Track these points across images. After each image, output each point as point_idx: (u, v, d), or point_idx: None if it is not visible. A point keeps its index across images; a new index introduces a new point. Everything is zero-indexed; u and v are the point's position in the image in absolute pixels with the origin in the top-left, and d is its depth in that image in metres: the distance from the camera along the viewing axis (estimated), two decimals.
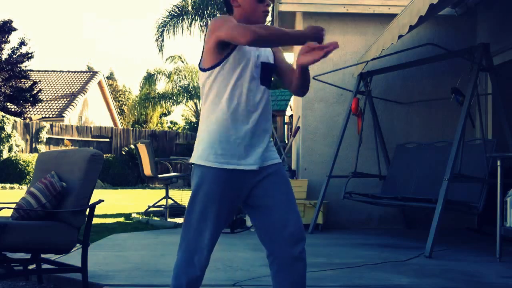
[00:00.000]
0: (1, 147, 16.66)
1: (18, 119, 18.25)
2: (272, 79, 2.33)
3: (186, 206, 2.22)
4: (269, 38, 1.99)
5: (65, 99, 24.19)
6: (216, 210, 2.14)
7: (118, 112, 31.03)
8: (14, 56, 20.71)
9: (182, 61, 28.48)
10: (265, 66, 2.22)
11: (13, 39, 29.26)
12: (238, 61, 2.14)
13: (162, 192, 8.68)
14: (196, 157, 2.17)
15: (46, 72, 27.16)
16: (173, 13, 22.30)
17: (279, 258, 2.23)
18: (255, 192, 2.20)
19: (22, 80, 20.68)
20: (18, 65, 20.47)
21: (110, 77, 39.51)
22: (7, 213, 3.36)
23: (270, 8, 2.27)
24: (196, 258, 2.18)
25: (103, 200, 3.43)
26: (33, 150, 18.09)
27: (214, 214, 2.15)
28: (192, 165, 2.22)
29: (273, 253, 2.25)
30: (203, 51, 2.19)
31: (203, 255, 2.19)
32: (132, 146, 18.68)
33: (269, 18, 24.61)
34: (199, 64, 2.23)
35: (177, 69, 28.19)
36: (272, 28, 2.01)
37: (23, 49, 21.09)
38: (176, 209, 7.88)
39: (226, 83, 2.14)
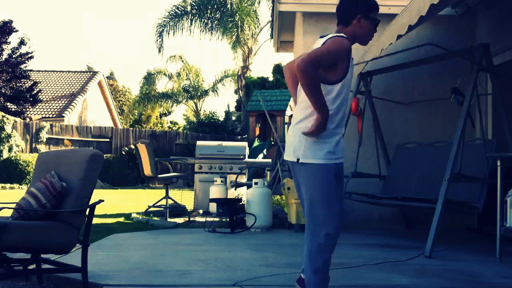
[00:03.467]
0: (1, 147, 16.65)
1: (18, 119, 18.25)
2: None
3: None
4: (304, 82, 2.48)
5: (65, 99, 24.19)
6: None
7: (118, 112, 31.02)
8: (14, 56, 20.71)
9: (183, 61, 28.48)
10: None
11: (13, 40, 29.27)
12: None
13: (162, 192, 8.68)
14: None
15: (46, 72, 27.15)
16: (172, 13, 22.30)
17: None
18: None
19: (22, 80, 20.68)
20: (19, 66, 20.47)
21: (110, 77, 39.50)
22: (7, 213, 3.36)
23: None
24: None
25: (103, 200, 3.43)
26: (33, 150, 18.09)
27: None
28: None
29: None
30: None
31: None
32: (132, 146, 18.67)
33: (268, 18, 24.36)
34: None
35: (180, 69, 28.20)
36: (316, 86, 2.50)
37: (23, 49, 21.11)
38: (176, 209, 7.88)
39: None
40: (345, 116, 2.70)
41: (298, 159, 2.66)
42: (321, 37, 2.75)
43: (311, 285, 2.64)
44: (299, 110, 2.71)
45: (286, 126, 14.83)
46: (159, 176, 7.69)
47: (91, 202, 3.37)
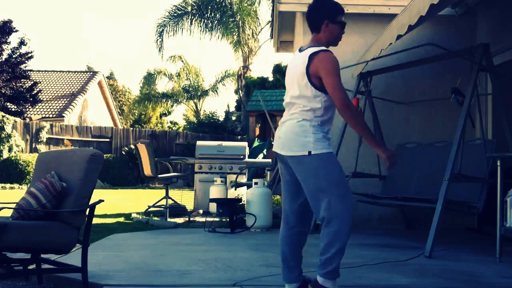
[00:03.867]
0: (1, 147, 16.65)
1: (18, 119, 18.25)
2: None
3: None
4: (350, 120, 2.85)
5: (65, 99, 24.18)
6: None
7: (118, 112, 31.02)
8: (14, 56, 20.71)
9: (182, 61, 28.47)
10: None
11: (13, 40, 29.26)
12: None
13: (162, 192, 8.69)
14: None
15: (46, 72, 27.14)
16: (173, 13, 22.30)
17: None
18: None
19: (22, 80, 20.67)
20: (19, 66, 20.47)
21: (110, 77, 39.48)
22: (7, 213, 3.36)
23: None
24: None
25: (103, 200, 3.43)
26: (33, 150, 18.09)
27: None
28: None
29: None
30: (312, 70, 2.85)
31: None
32: (132, 146, 18.67)
33: (268, 18, 24.37)
34: (309, 78, 2.86)
35: (180, 69, 28.18)
36: (360, 120, 2.87)
37: (23, 49, 21.10)
38: (176, 209, 7.88)
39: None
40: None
41: (309, 152, 2.85)
42: (300, 50, 3.02)
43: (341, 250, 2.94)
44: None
45: None
46: (159, 176, 7.69)
47: (91, 202, 3.37)
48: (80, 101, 24.59)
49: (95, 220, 5.58)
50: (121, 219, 7.40)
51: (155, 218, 7.33)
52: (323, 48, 2.91)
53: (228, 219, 6.41)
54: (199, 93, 28.45)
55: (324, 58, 2.84)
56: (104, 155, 4.65)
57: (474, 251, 4.94)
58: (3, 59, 20.40)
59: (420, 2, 4.50)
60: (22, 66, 20.78)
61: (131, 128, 21.69)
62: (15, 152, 17.06)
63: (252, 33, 22.47)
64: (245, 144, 9.15)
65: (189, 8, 22.22)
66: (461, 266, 4.18)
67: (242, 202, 6.87)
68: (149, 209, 7.92)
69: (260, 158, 13.73)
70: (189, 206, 8.48)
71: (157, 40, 22.57)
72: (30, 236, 3.13)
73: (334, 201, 2.82)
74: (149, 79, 27.88)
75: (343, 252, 2.93)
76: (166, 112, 33.58)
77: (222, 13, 21.91)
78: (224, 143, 8.88)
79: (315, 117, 2.89)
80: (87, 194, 3.35)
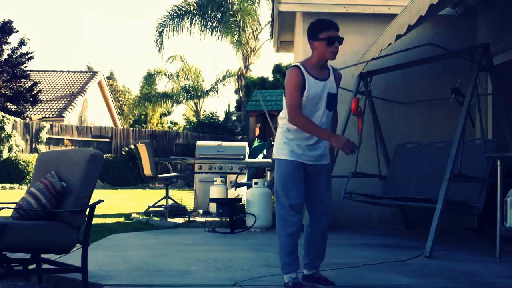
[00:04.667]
0: (1, 147, 16.65)
1: (18, 119, 18.25)
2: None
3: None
4: (300, 129, 3.23)
5: (65, 99, 24.18)
6: None
7: (118, 112, 31.02)
8: (14, 56, 20.71)
9: (183, 61, 28.46)
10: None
11: (13, 40, 29.27)
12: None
13: (162, 192, 8.68)
14: None
15: (46, 72, 27.14)
16: (173, 13, 22.30)
17: None
18: None
19: (22, 80, 20.67)
20: (19, 66, 20.47)
21: (110, 77, 39.51)
22: (7, 213, 3.36)
23: (337, 50, 3.27)
24: None
25: (103, 200, 3.43)
26: (33, 150, 18.08)
27: None
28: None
29: None
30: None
31: None
32: (132, 146, 18.68)
33: (269, 18, 24.38)
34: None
35: (180, 69, 28.17)
36: (309, 128, 3.21)
37: (23, 49, 21.10)
38: (176, 209, 7.88)
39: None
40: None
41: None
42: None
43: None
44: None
45: None
46: (159, 176, 7.69)
47: (91, 202, 3.37)
48: (80, 101, 24.59)
49: (95, 220, 5.58)
50: (121, 219, 7.40)
51: (155, 218, 7.33)
52: (294, 64, 3.35)
53: (228, 219, 6.41)
54: (199, 93, 28.43)
55: (286, 73, 3.28)
56: (104, 155, 4.65)
57: (474, 251, 4.94)
58: (3, 59, 20.40)
59: (419, 2, 4.50)
60: (22, 66, 20.77)
61: (131, 128, 21.70)
62: (15, 152, 17.05)
63: (253, 33, 22.47)
64: (245, 144, 9.15)
65: (190, 8, 22.22)
66: (461, 266, 4.18)
67: (242, 202, 6.87)
68: (149, 209, 7.92)
69: (260, 158, 13.73)
70: (189, 206, 8.48)
71: (157, 40, 22.57)
72: (30, 236, 3.13)
73: (275, 205, 3.32)
74: (149, 79, 27.87)
75: (284, 249, 3.25)
76: (166, 112, 33.56)
77: (222, 13, 21.90)
78: (224, 143, 8.88)
79: (283, 125, 3.32)
80: (87, 194, 3.35)
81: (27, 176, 16.03)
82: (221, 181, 7.83)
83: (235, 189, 8.21)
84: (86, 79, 26.43)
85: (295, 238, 3.25)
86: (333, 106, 3.36)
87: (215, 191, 7.68)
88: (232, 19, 21.50)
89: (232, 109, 30.45)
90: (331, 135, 3.23)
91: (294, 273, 3.25)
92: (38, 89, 21.61)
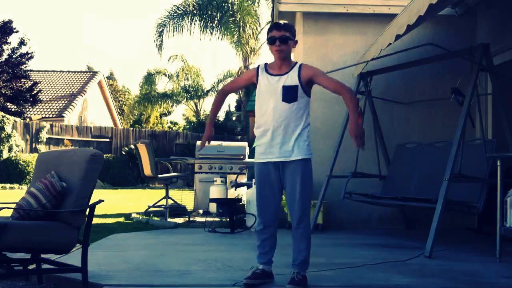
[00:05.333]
0: (1, 147, 16.65)
1: (18, 119, 18.25)
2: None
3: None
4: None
5: (65, 99, 24.18)
6: None
7: (118, 112, 31.02)
8: (14, 56, 20.71)
9: (183, 61, 28.47)
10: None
11: (13, 40, 29.26)
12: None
13: (162, 192, 8.68)
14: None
15: (46, 72, 27.14)
16: (173, 13, 22.28)
17: None
18: None
19: (22, 80, 20.67)
20: (19, 66, 20.47)
21: (110, 77, 39.51)
22: (7, 213, 3.36)
23: (280, 48, 3.44)
24: None
25: (103, 200, 3.43)
26: (33, 150, 18.09)
27: None
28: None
29: None
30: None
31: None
32: (132, 146, 18.68)
33: (269, 18, 24.30)
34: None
35: (180, 69, 28.16)
36: (213, 101, 3.76)
37: (23, 49, 21.10)
38: (176, 209, 7.88)
39: None
40: (266, 119, 3.49)
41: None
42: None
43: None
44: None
45: None
46: (159, 176, 7.69)
47: (91, 202, 3.37)
48: (80, 101, 24.59)
49: (95, 220, 5.58)
50: (121, 219, 7.40)
51: (155, 218, 7.33)
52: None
53: (228, 219, 6.41)
54: (199, 93, 28.43)
55: None
56: (104, 155, 4.65)
57: (474, 251, 4.94)
58: (3, 59, 20.40)
59: (419, 2, 4.50)
60: (22, 66, 20.77)
61: (131, 128, 21.70)
62: (15, 152, 17.05)
63: (252, 33, 22.46)
64: (245, 144, 9.15)
65: (190, 8, 22.21)
66: (461, 266, 4.18)
67: (242, 202, 6.87)
68: (149, 209, 7.92)
69: None
70: (189, 206, 8.47)
71: (157, 40, 22.55)
72: (30, 236, 3.13)
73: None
74: (149, 79, 27.87)
75: (258, 246, 3.50)
76: (166, 112, 33.58)
77: (222, 13, 21.89)
78: (224, 143, 8.88)
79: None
80: (87, 194, 3.35)
81: (27, 176, 16.03)
82: (221, 181, 7.82)
83: (235, 189, 8.21)
84: (86, 79, 26.44)
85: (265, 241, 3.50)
86: (291, 98, 3.40)
87: (215, 191, 7.68)
88: (232, 19, 21.50)
89: (232, 109, 30.46)
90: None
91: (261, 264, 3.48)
92: (38, 89, 21.61)
